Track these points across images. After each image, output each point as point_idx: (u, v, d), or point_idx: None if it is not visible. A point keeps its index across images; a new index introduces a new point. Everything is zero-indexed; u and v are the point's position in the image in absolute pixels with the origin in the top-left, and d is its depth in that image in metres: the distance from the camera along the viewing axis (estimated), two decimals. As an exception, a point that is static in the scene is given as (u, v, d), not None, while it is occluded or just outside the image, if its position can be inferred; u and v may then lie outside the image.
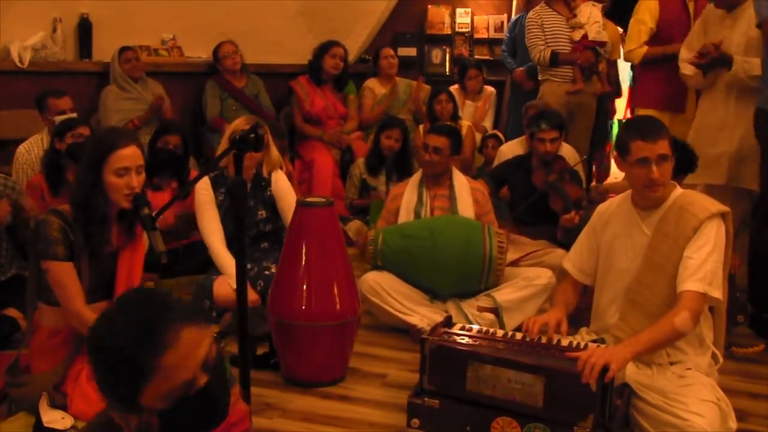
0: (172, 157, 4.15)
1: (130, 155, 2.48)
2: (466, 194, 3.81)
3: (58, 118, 4.04)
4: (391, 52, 6.10)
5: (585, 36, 5.24)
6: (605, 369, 2.25)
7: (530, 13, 5.50)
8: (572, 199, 4.01)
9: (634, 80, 5.78)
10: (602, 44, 5.31)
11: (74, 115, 4.11)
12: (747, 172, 3.90)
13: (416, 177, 3.91)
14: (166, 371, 1.25)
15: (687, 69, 4.03)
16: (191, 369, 1.28)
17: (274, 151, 3.79)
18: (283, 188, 3.71)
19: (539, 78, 5.48)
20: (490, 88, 6.29)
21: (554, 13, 5.35)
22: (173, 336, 1.26)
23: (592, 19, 5.26)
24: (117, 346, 1.25)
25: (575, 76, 5.26)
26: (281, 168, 3.82)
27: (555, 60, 5.24)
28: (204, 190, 3.63)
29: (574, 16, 5.29)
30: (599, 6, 5.37)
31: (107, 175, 2.47)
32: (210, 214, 3.62)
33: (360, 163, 5.22)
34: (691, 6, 4.55)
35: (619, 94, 6.62)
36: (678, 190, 2.62)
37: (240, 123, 3.54)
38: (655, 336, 2.40)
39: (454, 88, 6.01)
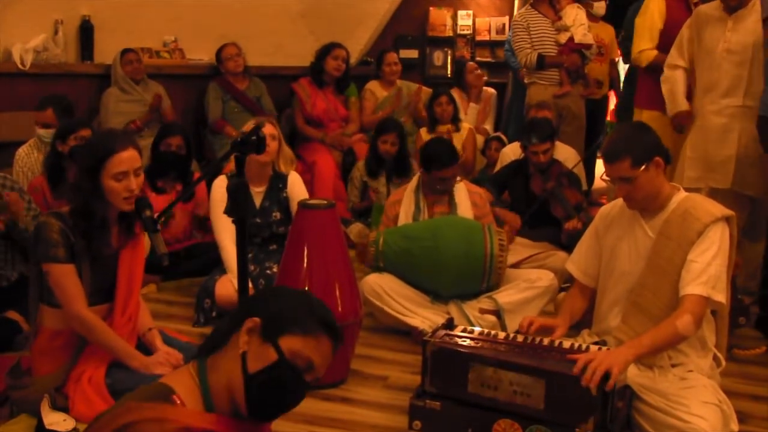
0: (175, 159, 4.16)
1: (127, 159, 2.46)
2: (465, 197, 3.80)
3: (40, 131, 4.14)
4: (395, 57, 6.03)
5: (571, 38, 5.23)
6: (607, 375, 2.25)
7: (515, 16, 5.51)
8: (572, 204, 4.00)
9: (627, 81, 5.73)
10: (588, 47, 5.30)
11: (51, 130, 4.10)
12: (750, 178, 3.88)
13: (413, 183, 3.88)
14: None
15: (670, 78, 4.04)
16: None
17: (286, 148, 3.85)
18: (299, 191, 3.76)
19: (526, 81, 5.47)
20: (490, 90, 6.28)
21: (540, 15, 5.33)
22: None
23: (577, 21, 5.25)
24: None
25: (562, 78, 5.26)
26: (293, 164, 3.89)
27: (541, 63, 5.23)
28: (220, 188, 3.66)
29: (560, 18, 5.28)
30: (600, 5, 5.36)
31: (106, 180, 2.45)
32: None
33: (360, 165, 5.22)
34: (693, 9, 4.51)
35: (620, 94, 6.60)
36: (681, 194, 2.62)
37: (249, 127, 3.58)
38: (658, 339, 2.40)
39: (455, 92, 6.00)
